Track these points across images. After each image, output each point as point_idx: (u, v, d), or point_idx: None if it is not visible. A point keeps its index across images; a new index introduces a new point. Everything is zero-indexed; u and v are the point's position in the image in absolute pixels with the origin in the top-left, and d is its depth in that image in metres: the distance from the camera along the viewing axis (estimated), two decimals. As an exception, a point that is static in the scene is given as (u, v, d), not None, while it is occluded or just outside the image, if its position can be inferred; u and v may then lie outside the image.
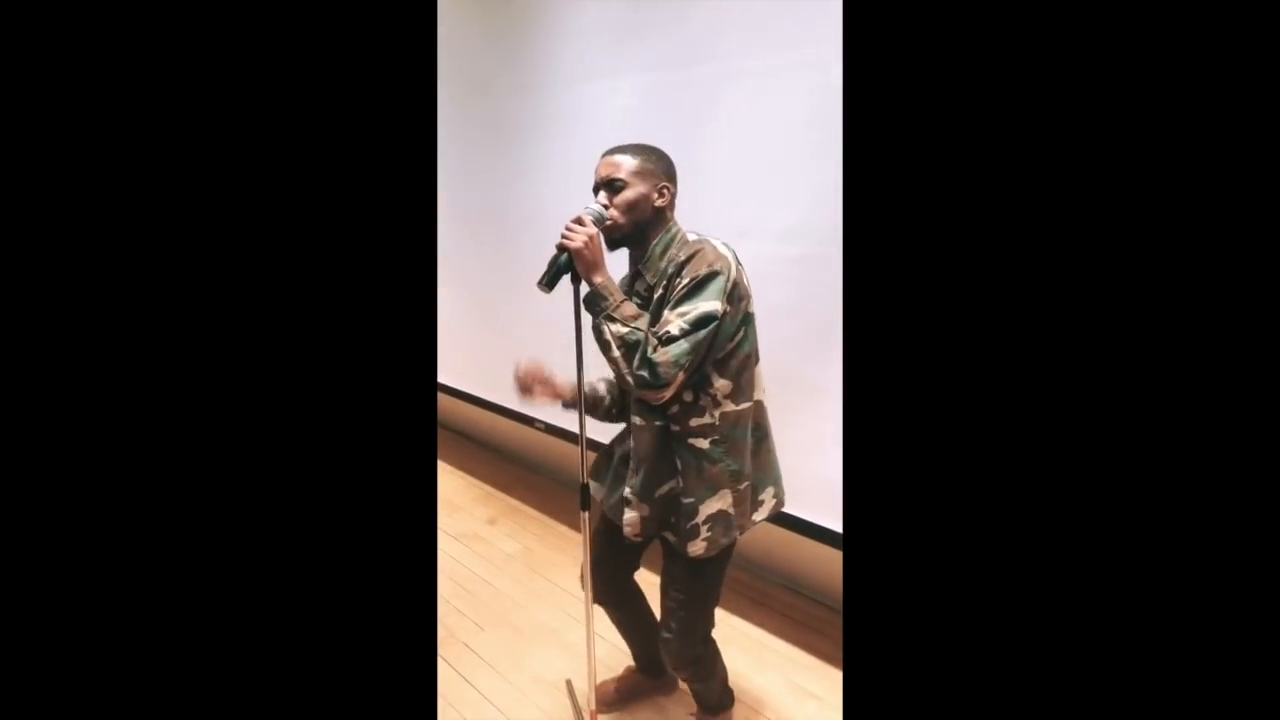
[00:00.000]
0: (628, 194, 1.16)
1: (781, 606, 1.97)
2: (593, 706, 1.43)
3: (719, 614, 1.90)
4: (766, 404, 1.24)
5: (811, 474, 1.66)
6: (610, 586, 1.44)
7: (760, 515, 1.26)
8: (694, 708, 1.53)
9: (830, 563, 1.91)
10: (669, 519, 1.22)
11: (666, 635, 1.29)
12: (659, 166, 1.18)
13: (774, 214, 1.66)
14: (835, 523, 1.66)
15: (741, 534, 1.23)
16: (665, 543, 1.26)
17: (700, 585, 1.26)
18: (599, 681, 1.58)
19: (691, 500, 1.17)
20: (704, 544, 1.19)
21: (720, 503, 1.18)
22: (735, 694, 1.54)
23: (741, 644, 1.82)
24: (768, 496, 1.26)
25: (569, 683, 1.67)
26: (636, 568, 1.46)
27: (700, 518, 1.17)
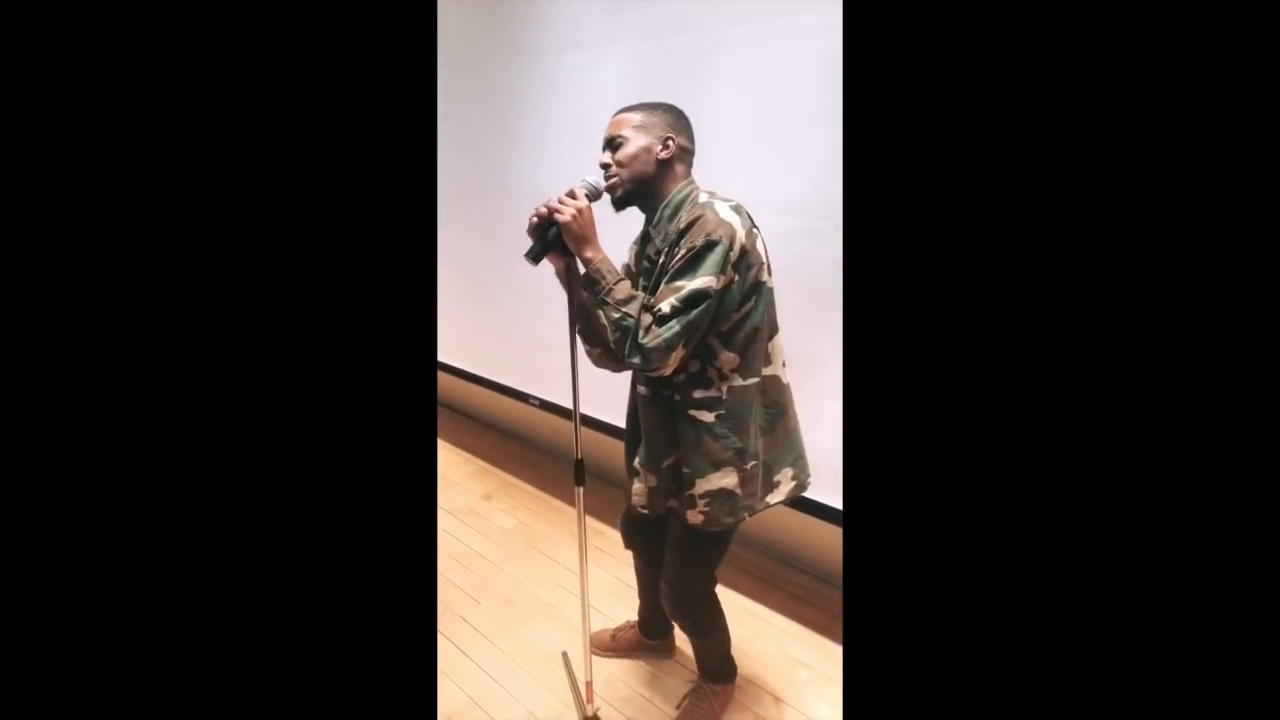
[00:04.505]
0: (627, 148, 1.12)
1: (775, 579, 2.00)
2: (588, 677, 1.45)
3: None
4: (785, 379, 1.19)
5: (806, 448, 1.67)
6: (639, 537, 1.44)
7: (776, 497, 1.21)
8: (690, 676, 1.56)
9: (822, 537, 1.93)
10: (674, 489, 1.19)
11: (664, 587, 1.30)
12: (664, 120, 1.13)
13: (772, 187, 1.64)
14: (827, 497, 1.67)
15: (752, 515, 1.19)
16: (670, 510, 1.25)
17: (696, 554, 1.24)
18: (595, 630, 1.60)
19: (689, 472, 1.14)
20: (701, 516, 1.16)
21: (724, 480, 1.13)
22: (736, 666, 1.56)
23: (736, 615, 1.84)
24: (784, 478, 1.21)
25: (564, 654, 1.69)
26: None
27: (698, 490, 1.14)
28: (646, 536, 1.42)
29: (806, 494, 1.68)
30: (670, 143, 1.12)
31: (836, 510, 1.65)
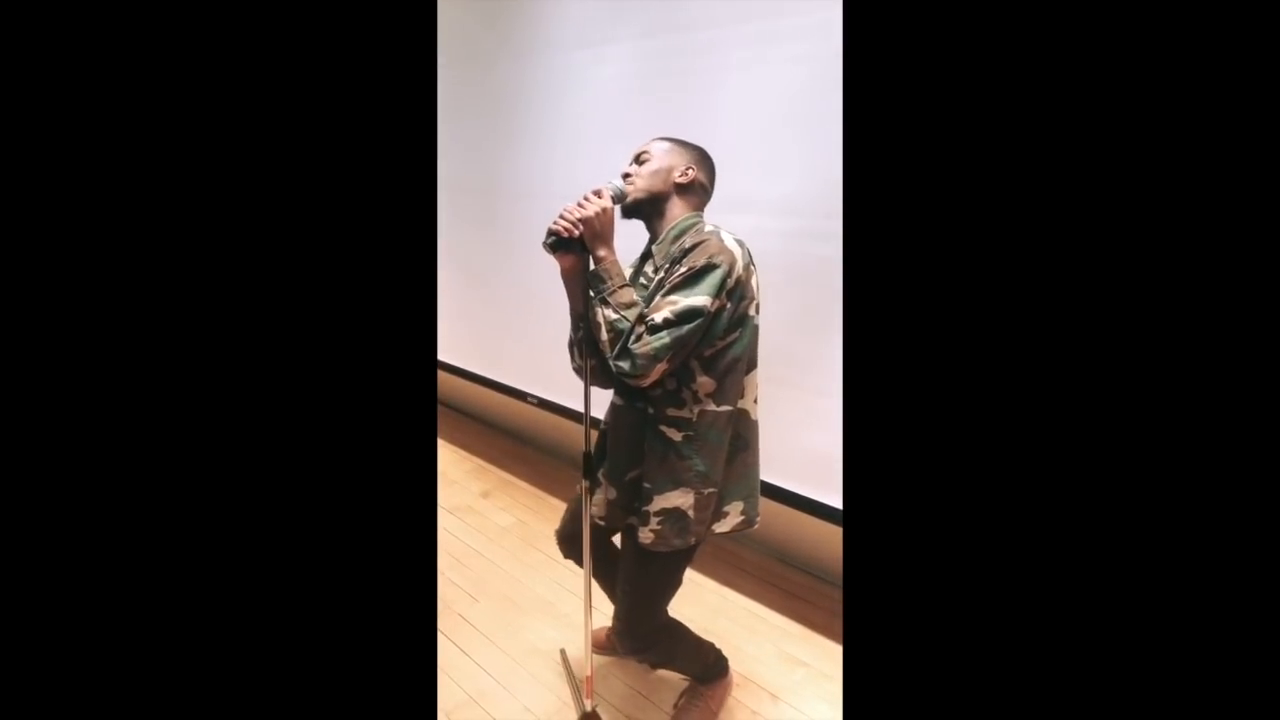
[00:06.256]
0: (651, 164, 1.19)
1: (772, 578, 2.00)
2: (588, 674, 1.46)
3: (710, 584, 1.95)
4: (754, 416, 1.21)
5: (801, 448, 1.67)
6: (593, 555, 1.42)
7: (722, 527, 1.22)
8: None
9: (820, 535, 1.94)
10: (634, 504, 1.20)
11: (616, 624, 1.30)
12: (692, 154, 1.20)
13: (767, 186, 1.65)
14: (825, 496, 1.67)
15: (698, 542, 1.20)
16: (628, 528, 1.24)
17: (647, 579, 1.24)
18: (595, 626, 1.60)
19: (649, 487, 1.16)
20: (652, 535, 1.16)
21: (680, 500, 1.15)
22: (728, 663, 1.57)
23: (733, 614, 1.85)
24: (734, 510, 1.22)
25: (563, 651, 1.70)
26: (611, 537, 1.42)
27: (654, 506, 1.15)
28: (596, 559, 1.41)
29: (803, 493, 1.69)
30: (690, 171, 1.18)
31: (834, 509, 1.66)
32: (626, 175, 1.19)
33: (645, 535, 1.17)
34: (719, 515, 1.21)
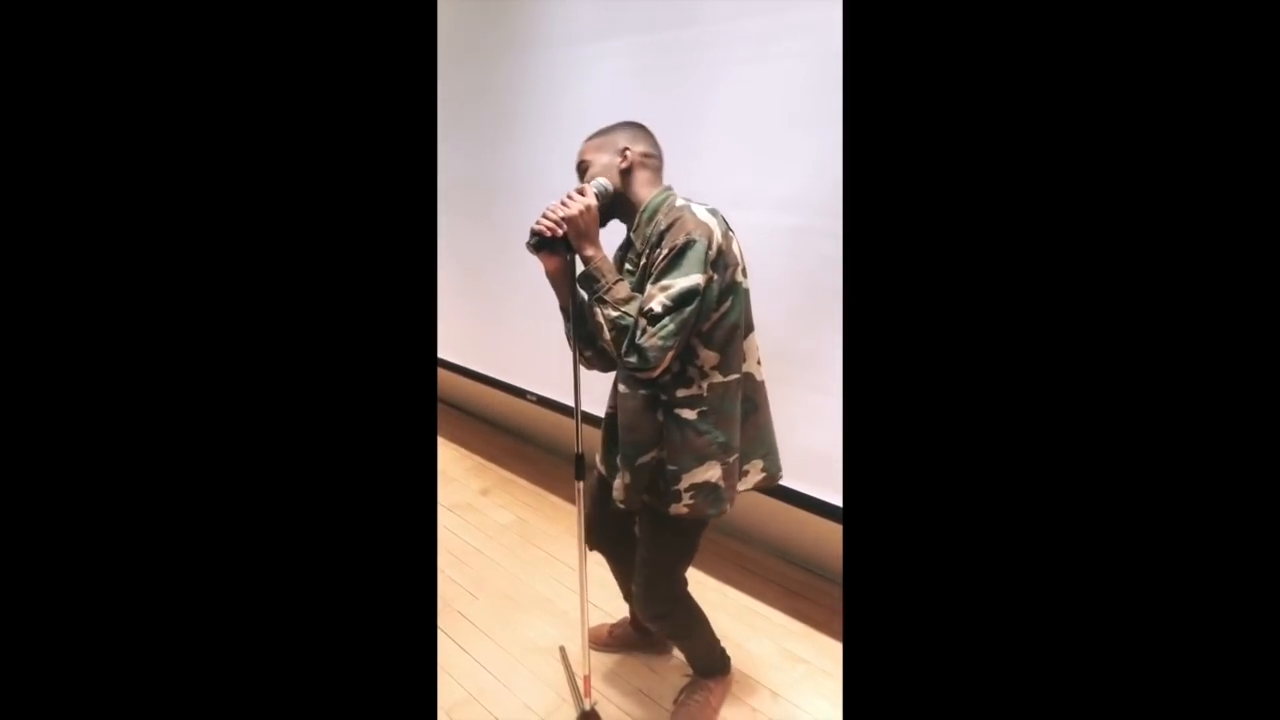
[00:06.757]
0: (591, 169, 1.19)
1: (772, 575, 2.00)
2: (586, 671, 1.46)
3: (711, 582, 1.95)
4: (759, 377, 1.23)
5: (801, 445, 1.67)
6: (605, 533, 1.45)
7: (744, 485, 1.26)
8: (688, 670, 1.56)
9: (820, 532, 1.94)
10: (649, 484, 1.22)
11: (635, 591, 1.34)
12: (620, 135, 1.19)
13: (769, 183, 1.64)
14: (825, 493, 1.67)
15: (729, 507, 1.23)
16: (644, 505, 1.27)
17: (668, 549, 1.28)
18: (593, 625, 1.61)
19: (675, 469, 1.17)
20: (685, 509, 1.19)
21: (709, 473, 1.17)
22: (731, 662, 1.56)
23: (733, 611, 1.85)
24: (754, 469, 1.26)
25: (562, 649, 1.70)
26: (634, 518, 1.45)
27: (683, 485, 1.17)
28: (612, 541, 1.46)
29: (803, 490, 1.69)
30: (627, 153, 1.17)
31: (834, 506, 1.66)
32: (581, 191, 1.15)
33: (679, 508, 1.19)
34: (741, 475, 1.25)
